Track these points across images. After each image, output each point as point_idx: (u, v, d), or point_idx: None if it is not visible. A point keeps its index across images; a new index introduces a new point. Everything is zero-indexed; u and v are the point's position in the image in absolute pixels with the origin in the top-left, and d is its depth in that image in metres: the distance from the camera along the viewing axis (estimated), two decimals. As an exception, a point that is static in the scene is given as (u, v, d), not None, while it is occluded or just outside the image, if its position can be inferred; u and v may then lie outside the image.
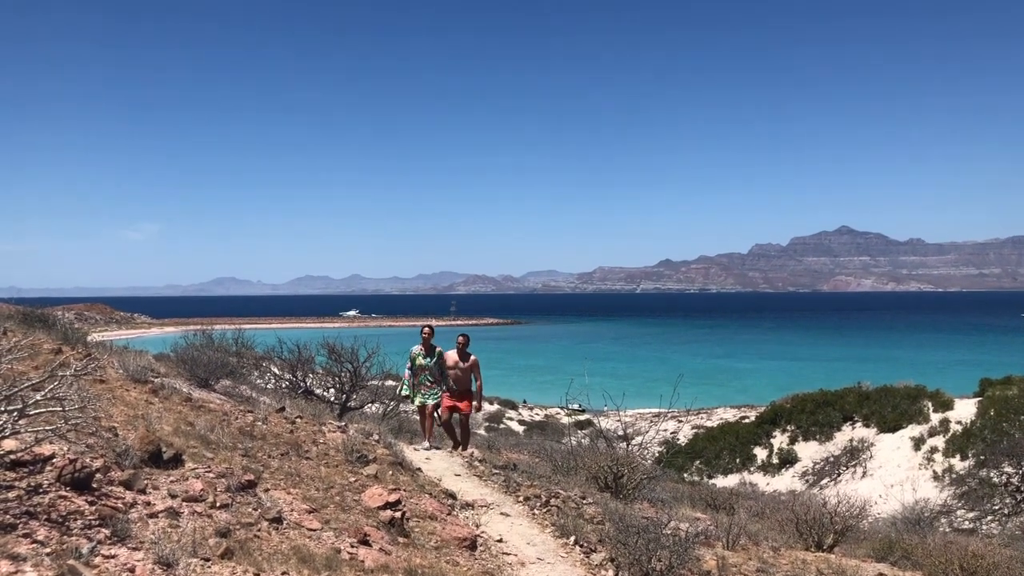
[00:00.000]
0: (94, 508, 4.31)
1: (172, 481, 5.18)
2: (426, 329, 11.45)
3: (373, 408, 14.30)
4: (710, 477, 29.15)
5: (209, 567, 4.15)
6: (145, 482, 4.96)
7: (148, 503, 4.73)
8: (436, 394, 11.34)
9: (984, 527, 19.04)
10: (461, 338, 11.36)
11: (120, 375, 7.98)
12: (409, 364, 11.44)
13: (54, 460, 4.62)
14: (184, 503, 4.90)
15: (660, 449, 27.83)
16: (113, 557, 3.93)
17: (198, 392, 8.79)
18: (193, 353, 10.74)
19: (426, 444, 11.14)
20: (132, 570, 3.81)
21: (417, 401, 11.41)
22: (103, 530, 4.13)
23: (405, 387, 11.47)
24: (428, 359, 11.35)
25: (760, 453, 31.18)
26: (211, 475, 5.45)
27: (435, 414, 11.49)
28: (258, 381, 13.85)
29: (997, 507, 20.35)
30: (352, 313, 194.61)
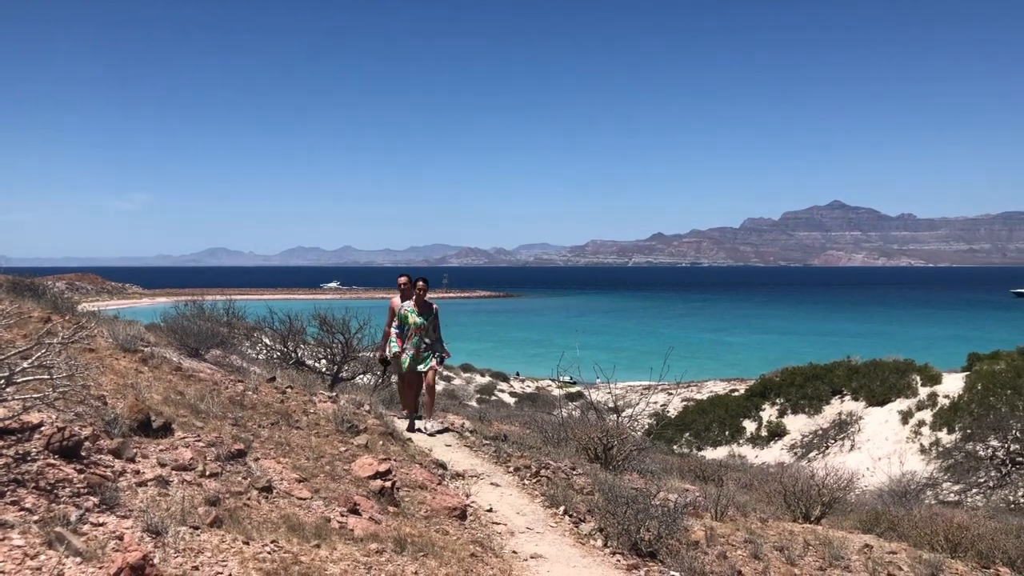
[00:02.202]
0: (83, 476, 4.30)
1: (161, 450, 5.17)
2: (420, 283, 9.92)
3: (365, 379, 14.30)
4: (699, 449, 29.39)
5: (198, 535, 4.15)
6: (134, 451, 4.95)
7: (137, 471, 4.72)
8: (428, 360, 9.88)
9: (969, 500, 19.26)
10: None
11: (110, 344, 7.95)
12: (397, 323, 9.83)
13: (42, 428, 4.60)
14: (173, 472, 4.89)
15: (650, 421, 28.00)
16: (102, 525, 3.92)
17: (188, 362, 8.77)
18: (184, 323, 10.70)
19: (404, 416, 9.95)
20: (120, 538, 3.80)
21: (406, 365, 9.78)
22: (92, 498, 4.12)
23: (393, 346, 9.83)
24: (423, 317, 9.81)
25: (749, 426, 31.42)
26: (201, 444, 5.44)
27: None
28: (249, 351, 13.83)
29: (982, 480, 20.57)
30: (333, 285, 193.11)
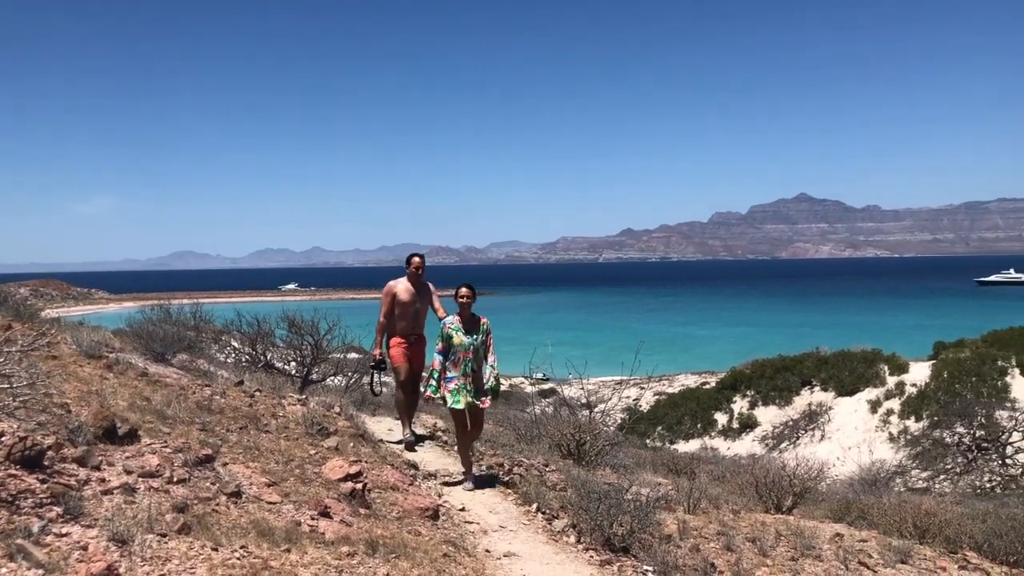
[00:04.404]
0: (46, 486, 4.22)
1: (127, 457, 5.09)
2: (464, 290, 7.68)
3: (335, 381, 14.22)
4: (672, 442, 29.56)
5: (166, 543, 4.09)
6: (99, 458, 4.87)
7: (102, 480, 4.64)
8: (482, 391, 7.73)
9: (937, 486, 19.53)
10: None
11: (73, 351, 7.83)
12: (440, 345, 7.67)
13: (2, 438, 4.51)
14: (140, 479, 4.82)
15: (623, 416, 28.05)
16: (66, 535, 3.85)
17: (154, 367, 8.66)
18: (150, 328, 10.59)
19: (464, 476, 7.76)
20: (85, 548, 3.74)
21: (458, 402, 7.53)
22: (55, 508, 4.05)
23: (432, 383, 7.62)
24: (471, 336, 7.65)
25: (721, 418, 31.67)
26: (168, 450, 5.37)
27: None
28: (217, 355, 13.71)
29: (949, 466, 20.88)
30: (291, 286, 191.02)
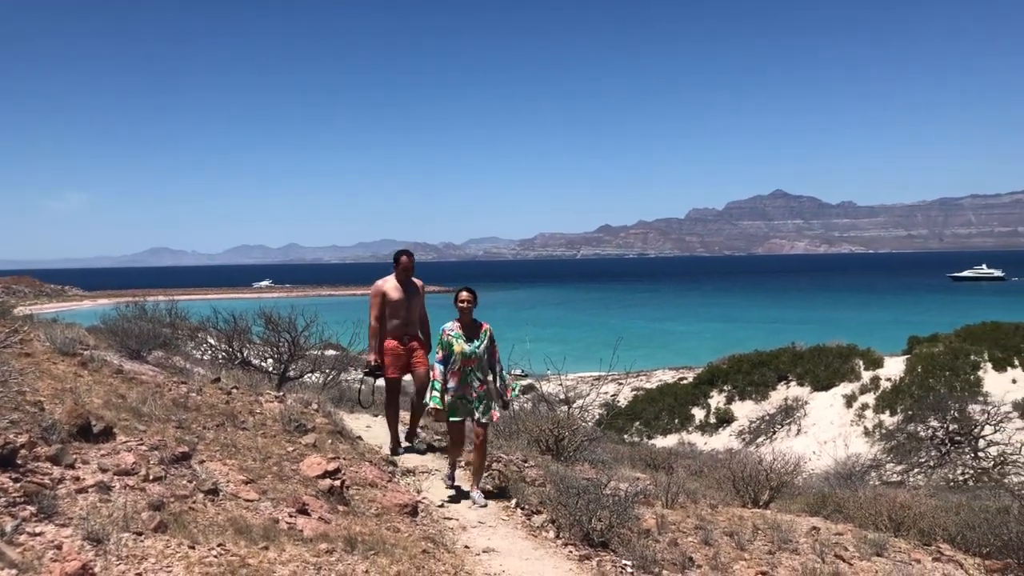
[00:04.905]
0: (19, 485, 4.16)
1: (102, 455, 5.04)
2: (465, 295, 7.21)
3: (313, 378, 14.16)
4: (650, 438, 29.67)
5: (142, 541, 4.05)
6: (74, 457, 4.81)
7: (77, 478, 4.59)
8: (488, 404, 7.21)
9: (911, 479, 19.75)
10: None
11: (47, 348, 7.73)
12: (441, 354, 7.15)
13: (-25, 437, 4.45)
14: (115, 477, 4.77)
15: (601, 411, 28.16)
16: (39, 535, 3.81)
17: (130, 364, 8.58)
18: (125, 324, 10.48)
19: (448, 483, 7.38)
20: (59, 547, 3.69)
21: (455, 414, 7.14)
22: (28, 507, 4.00)
23: (435, 395, 7.08)
24: (473, 344, 7.15)
25: (698, 413, 31.81)
26: (143, 448, 5.32)
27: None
28: (193, 352, 13.60)
29: (923, 460, 21.12)
30: (264, 283, 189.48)
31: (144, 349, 9.74)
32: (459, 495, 7.23)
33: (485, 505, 7.02)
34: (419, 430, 9.06)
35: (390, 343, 8.30)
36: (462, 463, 7.87)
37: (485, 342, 7.19)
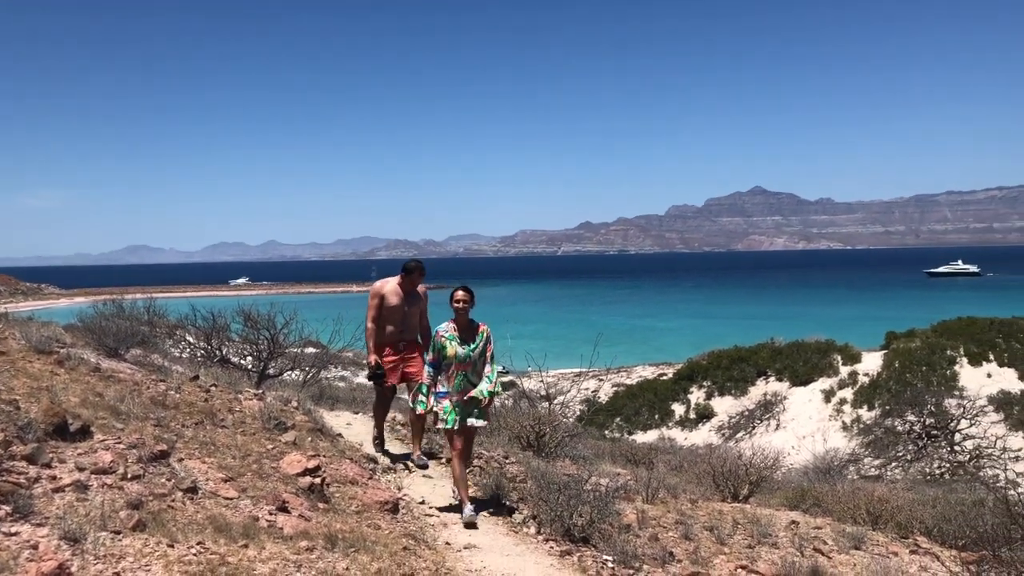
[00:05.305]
0: (-6, 484, 4.13)
1: (80, 454, 4.99)
2: (460, 294, 6.82)
3: (293, 375, 14.10)
4: (630, 433, 29.77)
5: (120, 540, 4.03)
6: (50, 456, 4.77)
7: (53, 477, 4.55)
8: (482, 409, 6.82)
9: (889, 473, 19.93)
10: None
11: (22, 346, 7.64)
12: (432, 356, 6.83)
13: (-51, 436, 4.41)
14: (93, 476, 4.73)
15: (581, 407, 28.25)
16: (15, 534, 3.78)
17: (107, 362, 8.50)
18: (102, 322, 10.38)
19: (456, 498, 6.83)
20: (35, 547, 3.66)
21: (450, 421, 6.73)
22: (4, 507, 3.96)
23: (421, 399, 6.85)
24: (468, 347, 6.76)
25: (678, 409, 31.95)
26: (121, 446, 5.28)
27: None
28: (172, 350, 13.50)
29: (901, 454, 21.32)
30: (241, 281, 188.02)
31: (122, 347, 9.65)
32: (457, 509, 6.76)
33: (475, 524, 6.45)
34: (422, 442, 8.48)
35: (382, 350, 7.93)
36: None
37: (481, 345, 6.78)
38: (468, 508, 6.58)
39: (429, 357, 6.86)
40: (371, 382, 8.55)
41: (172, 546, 4.11)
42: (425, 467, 7.99)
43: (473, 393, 6.77)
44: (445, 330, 6.78)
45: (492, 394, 6.88)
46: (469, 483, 6.98)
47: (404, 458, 8.16)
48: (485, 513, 6.88)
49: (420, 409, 6.81)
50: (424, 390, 6.79)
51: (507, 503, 7.20)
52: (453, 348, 6.69)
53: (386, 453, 8.27)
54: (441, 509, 6.79)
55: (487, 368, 6.87)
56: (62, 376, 6.91)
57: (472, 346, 6.72)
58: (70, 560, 3.65)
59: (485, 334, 6.83)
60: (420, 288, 8.06)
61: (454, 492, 6.92)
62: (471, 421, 6.79)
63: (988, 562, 5.87)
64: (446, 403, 6.77)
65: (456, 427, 6.75)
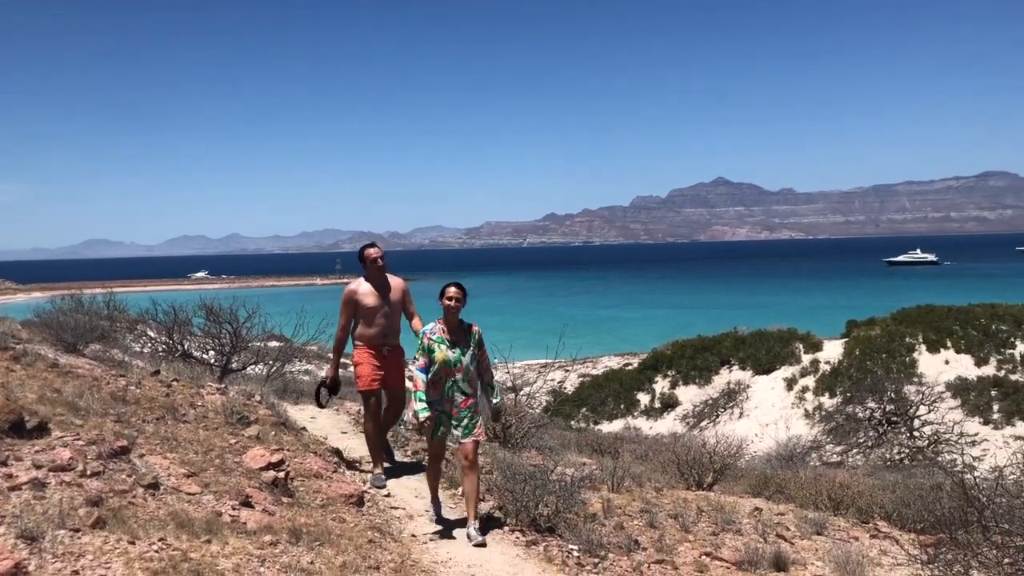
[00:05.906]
0: (-52, 483, 4.05)
1: (37, 451, 4.91)
2: (453, 291, 6.22)
3: (256, 369, 13.97)
4: (596, 423, 29.90)
5: (79, 538, 3.96)
6: (6, 454, 4.69)
7: (10, 475, 4.47)
8: (474, 420, 6.21)
9: (850, 460, 20.24)
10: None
11: (-23, 343, 7.51)
12: (422, 360, 6.14)
13: (-99, 435, 4.31)
14: (51, 473, 4.65)
15: (548, 398, 28.33)
16: (-30, 533, 3.70)
17: (65, 357, 8.37)
18: (60, 317, 10.22)
19: (431, 513, 6.43)
20: (-8, 546, 3.60)
21: (436, 432, 6.20)
22: (-41, 506, 3.88)
23: (422, 406, 6.02)
24: (458, 350, 6.18)
25: (643, 398, 32.14)
26: (80, 443, 5.20)
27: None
28: (132, 345, 13.32)
29: (862, 440, 21.66)
30: (201, 274, 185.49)
31: (80, 342, 9.51)
32: (450, 526, 6.25)
33: (484, 544, 5.92)
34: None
35: (365, 353, 7.32)
36: (445, 485, 7.15)
37: (473, 348, 6.23)
38: (470, 527, 6.06)
39: (419, 362, 6.15)
40: (316, 400, 7.97)
41: (133, 543, 4.05)
42: (382, 483, 7.17)
43: (495, 402, 6.48)
44: (433, 332, 6.18)
45: (498, 408, 6.59)
46: (476, 504, 6.27)
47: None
48: (451, 504, 6.88)
49: (423, 416, 6.00)
50: (423, 397, 6.03)
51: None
52: (443, 352, 6.09)
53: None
54: (440, 535, 6.09)
55: (487, 376, 6.44)
56: (18, 372, 6.79)
57: (462, 350, 6.16)
58: (27, 559, 3.59)
59: (477, 336, 6.29)
60: (396, 280, 7.48)
61: (428, 511, 6.49)
62: (459, 433, 6.20)
63: (945, 544, 5.97)
64: (432, 415, 6.12)
65: (440, 436, 6.25)
